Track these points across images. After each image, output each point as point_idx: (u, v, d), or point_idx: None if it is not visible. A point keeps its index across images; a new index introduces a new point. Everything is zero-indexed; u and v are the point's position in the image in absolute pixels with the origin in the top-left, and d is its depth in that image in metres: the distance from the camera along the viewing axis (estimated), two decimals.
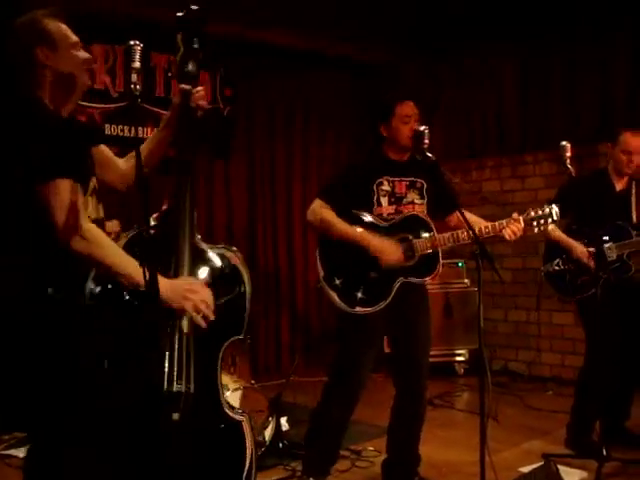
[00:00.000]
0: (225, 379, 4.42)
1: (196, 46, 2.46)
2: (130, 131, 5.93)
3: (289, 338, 7.20)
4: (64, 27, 2.44)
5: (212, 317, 2.43)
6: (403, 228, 3.57)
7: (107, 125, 5.89)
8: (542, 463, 4.02)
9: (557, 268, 4.51)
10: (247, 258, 7.16)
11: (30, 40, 2.38)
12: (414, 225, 3.58)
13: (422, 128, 3.47)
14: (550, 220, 3.59)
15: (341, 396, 3.64)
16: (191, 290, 2.38)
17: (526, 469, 4.03)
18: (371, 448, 4.42)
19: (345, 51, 6.87)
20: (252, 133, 7.04)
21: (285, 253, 7.26)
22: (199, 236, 2.61)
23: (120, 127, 5.96)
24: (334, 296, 3.55)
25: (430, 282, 5.95)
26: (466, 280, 6.76)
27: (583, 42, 6.21)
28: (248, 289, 2.66)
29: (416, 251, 3.54)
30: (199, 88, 2.57)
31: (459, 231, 3.53)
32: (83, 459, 2.35)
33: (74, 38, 2.45)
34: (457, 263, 6.76)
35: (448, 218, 3.75)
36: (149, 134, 5.22)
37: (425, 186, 3.67)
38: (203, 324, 2.41)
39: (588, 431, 4.37)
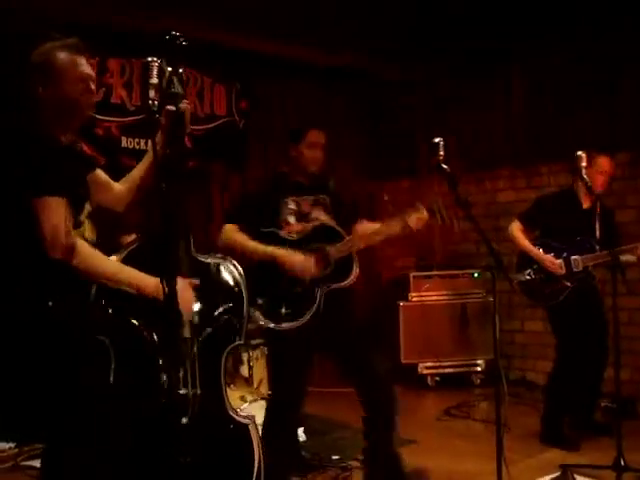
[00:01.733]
0: (243, 391, 4.45)
1: (180, 69, 2.59)
2: (147, 144, 5.97)
3: None
4: (75, 60, 2.52)
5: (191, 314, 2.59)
6: (314, 239, 3.58)
7: (124, 138, 5.97)
8: (559, 473, 4.02)
9: (528, 277, 4.91)
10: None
11: (34, 70, 2.49)
12: (324, 234, 3.60)
13: (437, 140, 3.48)
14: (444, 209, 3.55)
15: (284, 413, 3.63)
16: None
17: None
18: None
19: (359, 65, 6.90)
20: (268, 145, 7.08)
21: None
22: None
23: (137, 140, 6.02)
24: (258, 315, 3.50)
25: (445, 293, 5.96)
26: (482, 291, 6.76)
27: (592, 50, 6.22)
28: (245, 297, 2.78)
29: (331, 258, 3.54)
30: (184, 101, 2.67)
31: (369, 229, 3.61)
32: (89, 462, 2.39)
33: (82, 71, 2.54)
34: (472, 274, 6.76)
35: (355, 227, 3.74)
36: None
37: (329, 201, 3.72)
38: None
39: (560, 426, 4.80)
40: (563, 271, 4.76)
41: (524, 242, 4.92)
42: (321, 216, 3.67)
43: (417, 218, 3.55)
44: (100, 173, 2.83)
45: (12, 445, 4.28)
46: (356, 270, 3.60)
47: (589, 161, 4.62)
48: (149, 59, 2.48)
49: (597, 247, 4.74)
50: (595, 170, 4.69)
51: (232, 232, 3.60)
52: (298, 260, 3.49)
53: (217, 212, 6.64)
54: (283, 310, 3.50)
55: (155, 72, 2.46)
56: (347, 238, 3.58)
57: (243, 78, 6.74)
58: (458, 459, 4.47)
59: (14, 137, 2.45)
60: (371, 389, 3.57)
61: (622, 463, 3.83)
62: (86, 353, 2.48)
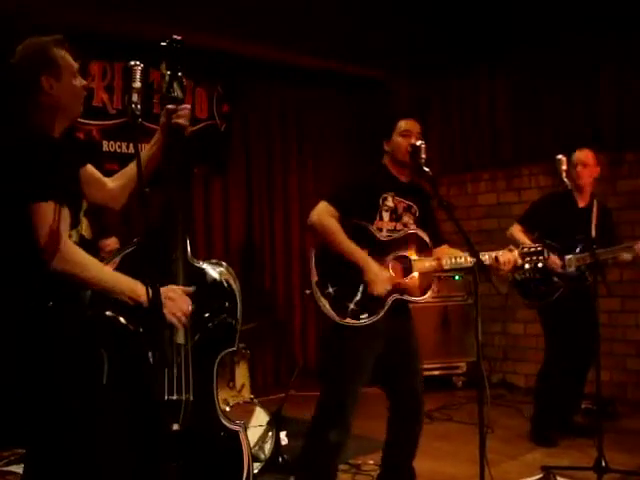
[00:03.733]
0: (225, 394, 4.44)
1: (180, 73, 2.62)
2: (128, 147, 5.94)
3: (287, 353, 7.20)
4: (67, 55, 2.50)
5: (185, 323, 2.51)
6: (403, 246, 3.56)
7: (105, 142, 5.92)
8: (541, 475, 4.05)
9: (524, 276, 4.93)
10: (244, 273, 7.19)
11: (37, 67, 2.44)
12: (414, 243, 3.58)
13: (419, 143, 3.49)
14: (542, 258, 3.57)
15: (337, 415, 3.52)
16: (168, 297, 2.44)
17: None
18: (371, 462, 4.42)
19: (342, 67, 6.90)
20: (250, 149, 7.08)
21: (283, 268, 7.28)
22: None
23: (118, 144, 5.98)
24: (325, 304, 3.45)
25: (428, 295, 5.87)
26: (463, 293, 6.77)
27: (572, 53, 6.29)
28: (239, 303, 2.75)
29: (414, 270, 3.53)
30: (185, 106, 2.68)
31: (459, 255, 3.56)
32: (79, 466, 2.37)
33: (75, 65, 2.52)
34: (454, 276, 6.78)
35: (434, 250, 3.70)
36: None
37: (418, 214, 3.69)
38: (179, 327, 2.51)
39: (549, 426, 4.87)
40: (560, 267, 4.73)
41: (526, 241, 4.79)
42: (410, 224, 3.64)
43: (510, 259, 3.50)
44: (91, 168, 2.76)
45: None
46: (434, 288, 3.59)
47: (570, 161, 4.68)
48: (132, 63, 2.47)
49: (593, 246, 4.66)
50: (575, 166, 4.76)
51: (327, 216, 3.49)
52: (378, 275, 3.44)
53: (199, 215, 6.63)
54: (351, 305, 3.45)
55: (138, 76, 2.45)
56: (433, 260, 3.56)
57: (225, 81, 6.74)
58: (440, 461, 4.48)
59: (8, 137, 2.40)
60: (407, 407, 3.64)
61: (603, 464, 3.86)
62: (78, 359, 2.43)
